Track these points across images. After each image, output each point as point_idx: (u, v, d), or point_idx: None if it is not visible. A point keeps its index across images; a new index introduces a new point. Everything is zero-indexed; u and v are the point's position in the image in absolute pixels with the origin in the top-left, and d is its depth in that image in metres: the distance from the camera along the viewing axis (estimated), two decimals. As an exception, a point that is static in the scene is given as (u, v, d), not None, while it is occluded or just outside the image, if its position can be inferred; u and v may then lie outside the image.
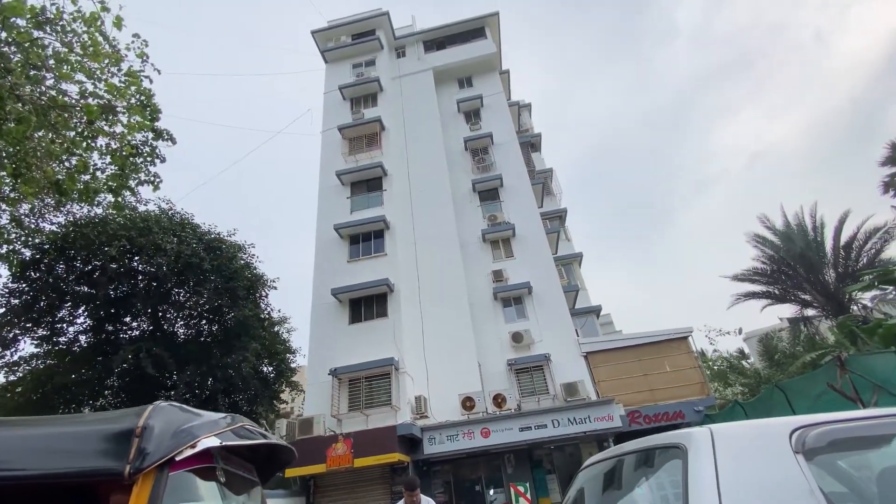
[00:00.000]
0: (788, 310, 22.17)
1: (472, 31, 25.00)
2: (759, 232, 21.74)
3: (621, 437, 13.52)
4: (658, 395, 14.88)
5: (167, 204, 16.35)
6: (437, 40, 25.27)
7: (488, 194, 20.15)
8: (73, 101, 9.06)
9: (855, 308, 19.59)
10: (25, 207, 12.03)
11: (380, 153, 19.56)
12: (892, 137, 19.51)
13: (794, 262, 20.60)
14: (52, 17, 8.69)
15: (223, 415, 1.74)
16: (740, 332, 23.76)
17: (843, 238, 19.73)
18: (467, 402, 13.98)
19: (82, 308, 15.42)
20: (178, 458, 1.44)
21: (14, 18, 8.11)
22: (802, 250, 20.11)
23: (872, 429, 1.58)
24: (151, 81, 9.58)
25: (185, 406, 1.62)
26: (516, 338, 16.02)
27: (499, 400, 14.07)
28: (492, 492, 13.28)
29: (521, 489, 12.59)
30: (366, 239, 17.43)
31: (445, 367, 15.24)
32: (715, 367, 23.55)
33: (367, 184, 19.09)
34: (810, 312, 21.24)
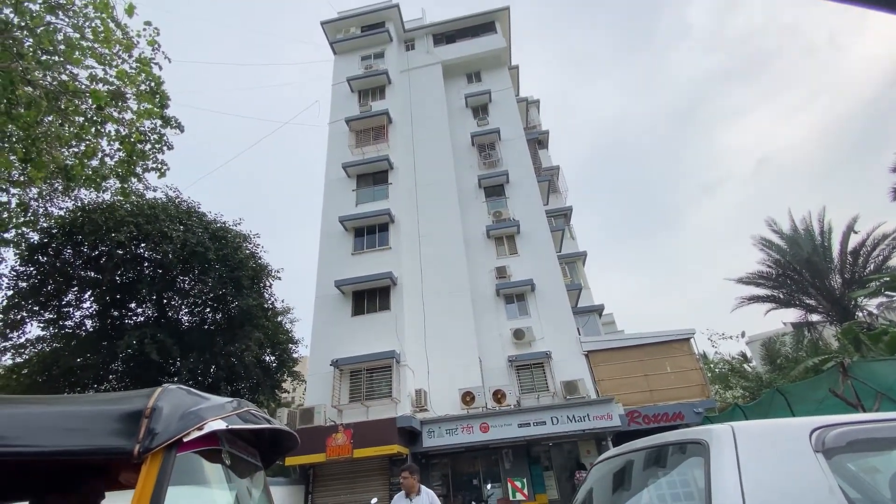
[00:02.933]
0: (793, 314, 22.04)
1: (481, 25, 24.83)
2: (766, 235, 21.60)
3: (620, 436, 13.56)
4: (658, 396, 14.89)
5: (174, 192, 16.45)
6: (447, 34, 25.13)
7: (494, 190, 20.10)
8: (84, 87, 9.11)
9: (860, 315, 19.46)
10: (34, 191, 12.14)
11: (386, 146, 19.54)
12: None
13: (801, 267, 20.46)
14: (65, 1, 8.73)
15: (230, 399, 1.77)
16: (743, 335, 23.72)
17: (851, 244, 19.57)
18: (467, 397, 14.05)
19: (88, 293, 15.59)
20: (185, 440, 1.47)
21: (27, 3, 8.15)
22: (809, 255, 19.97)
23: (891, 431, 1.60)
24: (161, 69, 9.61)
25: (192, 389, 1.65)
26: (518, 334, 16.05)
27: (498, 395, 14.13)
28: (489, 486, 13.37)
29: (518, 484, 12.68)
30: (370, 232, 17.45)
31: (446, 362, 15.30)
32: (716, 370, 23.52)
33: (373, 177, 19.09)
34: (815, 317, 21.11)
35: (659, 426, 14.03)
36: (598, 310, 20.12)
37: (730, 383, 22.45)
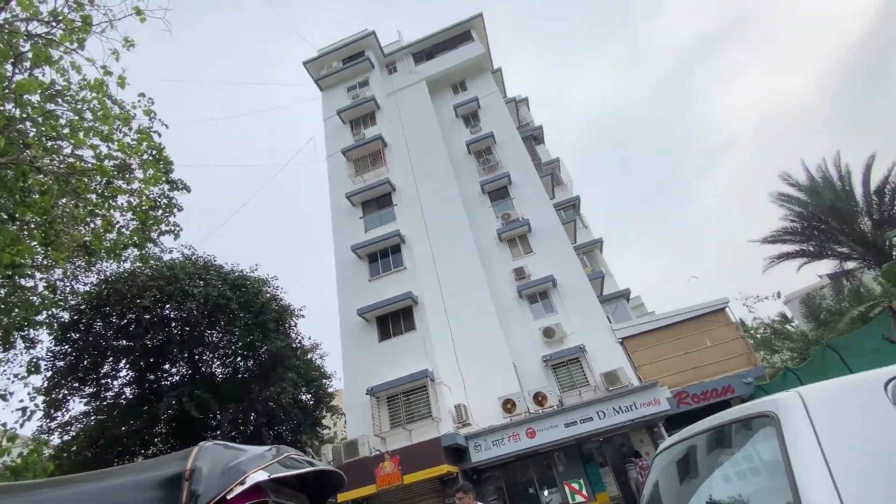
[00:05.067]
0: (827, 266, 21.26)
1: (458, 36, 25.14)
2: (784, 190, 21.01)
3: (671, 419, 13.13)
4: (703, 373, 14.43)
5: (189, 250, 16.83)
6: (426, 51, 25.49)
7: (498, 193, 20.07)
8: (90, 165, 9.43)
9: (898, 254, 18.67)
10: (59, 272, 12.55)
11: (385, 169, 19.74)
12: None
13: (825, 216, 19.80)
14: (61, 88, 9.12)
15: (268, 447, 1.74)
16: (779, 295, 22.96)
17: (873, 184, 18.88)
18: (508, 405, 13.82)
19: (123, 361, 15.94)
20: (229, 497, 1.44)
21: (26, 95, 8.52)
22: (832, 202, 19.32)
23: None
24: (160, 136, 9.92)
25: (229, 443, 1.63)
26: (548, 333, 15.81)
27: (539, 398, 13.87)
28: (546, 492, 13.04)
29: (576, 486, 12.34)
30: (384, 256, 17.54)
31: (481, 372, 15.13)
32: (758, 336, 22.75)
33: (378, 201, 19.27)
34: (851, 265, 20.33)
35: (710, 403, 13.55)
36: (625, 294, 19.74)
37: (775, 347, 21.66)
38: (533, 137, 25.42)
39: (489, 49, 25.02)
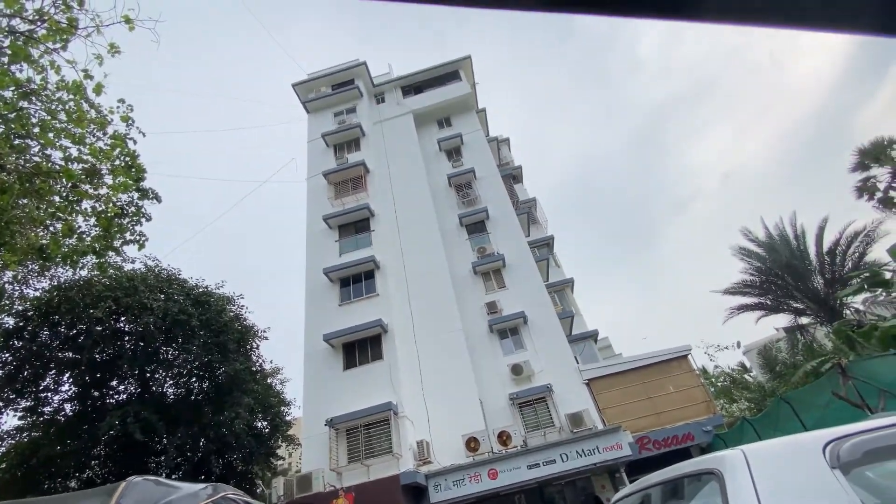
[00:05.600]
0: (783, 319, 22.25)
1: (446, 74, 26.04)
2: (744, 244, 22.13)
3: (633, 465, 13.10)
4: (664, 419, 14.58)
5: (153, 261, 16.20)
6: (415, 85, 26.23)
7: (475, 227, 20.35)
8: (58, 167, 9.13)
9: (848, 312, 19.72)
10: (9, 275, 11.85)
11: (366, 195, 19.80)
12: (858, 144, 20.33)
13: (782, 272, 20.86)
14: (37, 87, 8.90)
15: (203, 485, 1.65)
16: (739, 345, 23.71)
17: (826, 244, 20.13)
18: (472, 443, 13.52)
19: (67, 375, 14.91)
20: (155, 538, 1.35)
21: (-2, 91, 8.27)
22: (788, 259, 20.42)
23: None
24: (136, 143, 9.73)
25: (161, 479, 1.55)
26: (516, 370, 15.74)
27: (504, 437, 13.64)
28: (504, 537, 12.61)
29: (535, 531, 12.00)
30: (356, 281, 17.32)
31: (446, 407, 14.83)
32: (718, 384, 23.27)
33: (355, 226, 19.20)
34: (804, 320, 21.31)
35: (670, 450, 13.63)
36: (593, 335, 19.99)
37: (734, 396, 22.16)
38: (512, 176, 26.14)
39: (475, 89, 25.97)
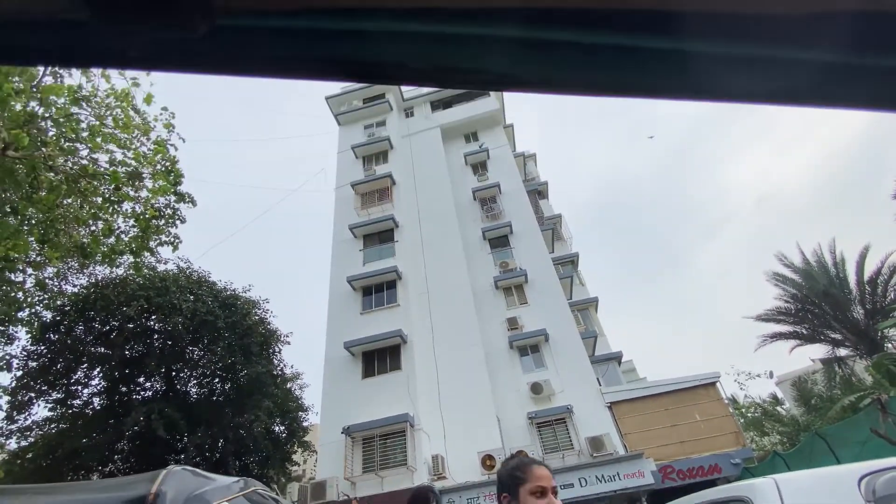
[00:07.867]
0: (819, 350, 21.16)
1: (475, 90, 26.33)
2: (779, 270, 21.28)
3: (654, 494, 12.58)
4: (689, 448, 13.97)
5: (185, 263, 16.75)
6: (444, 100, 26.65)
7: (498, 241, 20.29)
8: (103, 170, 9.61)
9: (889, 346, 18.64)
10: (50, 271, 12.45)
11: (391, 206, 20.07)
12: (902, 171, 19.46)
13: (819, 300, 19.93)
14: (88, 94, 9.46)
15: (236, 479, 1.69)
16: (771, 375, 22.73)
17: (867, 273, 19.17)
18: (488, 461, 13.27)
19: (97, 369, 15.44)
20: (190, 526, 1.38)
21: (52, 96, 8.82)
22: (826, 287, 19.52)
23: None
24: (177, 149, 10.17)
25: (197, 470, 1.58)
26: (536, 388, 15.44)
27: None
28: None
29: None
30: (378, 290, 17.46)
31: (463, 422, 14.63)
32: (748, 415, 22.25)
33: (379, 236, 19.44)
34: (842, 352, 20.23)
35: (695, 482, 13.03)
36: (617, 357, 19.47)
37: (765, 429, 21.12)
38: (537, 192, 26.05)
39: (503, 105, 26.17)
